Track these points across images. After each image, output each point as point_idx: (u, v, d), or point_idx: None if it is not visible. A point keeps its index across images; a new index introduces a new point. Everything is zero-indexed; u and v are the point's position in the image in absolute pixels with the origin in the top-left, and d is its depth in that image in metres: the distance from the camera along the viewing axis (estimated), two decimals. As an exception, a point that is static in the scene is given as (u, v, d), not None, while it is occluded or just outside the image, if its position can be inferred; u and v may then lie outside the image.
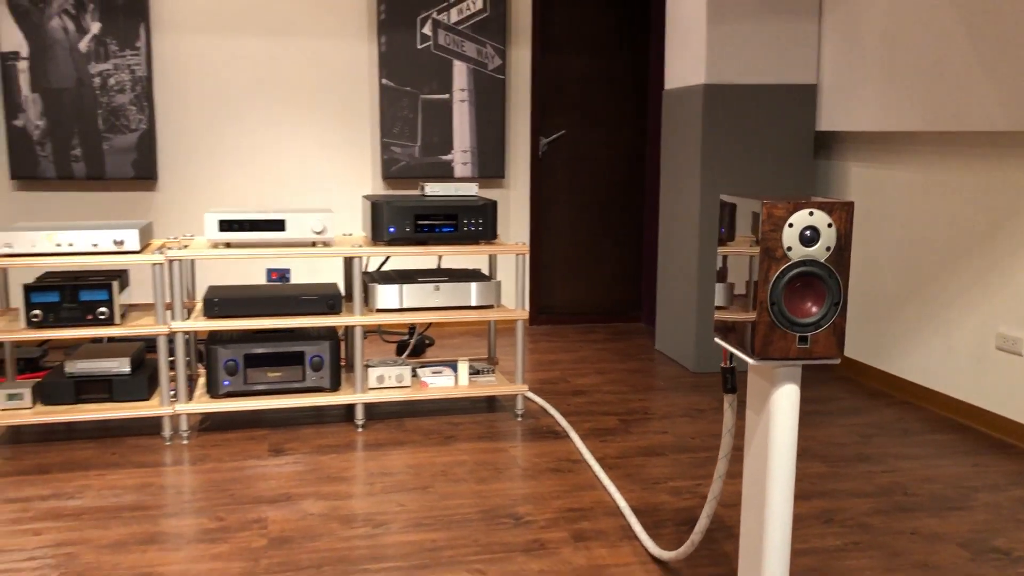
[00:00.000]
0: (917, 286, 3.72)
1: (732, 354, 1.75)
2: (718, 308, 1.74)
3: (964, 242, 3.45)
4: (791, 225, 1.53)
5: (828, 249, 1.55)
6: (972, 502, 2.72)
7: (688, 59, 4.14)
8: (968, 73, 3.25)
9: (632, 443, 3.24)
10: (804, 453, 3.15)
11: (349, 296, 3.68)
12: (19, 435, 3.29)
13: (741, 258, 1.61)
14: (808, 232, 1.54)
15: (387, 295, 3.36)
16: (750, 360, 1.58)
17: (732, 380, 1.80)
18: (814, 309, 1.56)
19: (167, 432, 3.21)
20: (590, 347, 4.76)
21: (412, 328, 4.18)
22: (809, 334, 1.56)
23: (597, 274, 5.37)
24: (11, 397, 3.12)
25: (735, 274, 1.65)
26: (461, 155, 4.87)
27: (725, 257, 1.71)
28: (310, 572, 2.25)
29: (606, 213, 5.31)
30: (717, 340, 1.74)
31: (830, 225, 1.54)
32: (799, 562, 2.33)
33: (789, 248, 1.54)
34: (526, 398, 3.78)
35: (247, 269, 4.84)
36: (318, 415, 3.55)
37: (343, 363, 3.75)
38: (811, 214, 1.53)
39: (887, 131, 3.80)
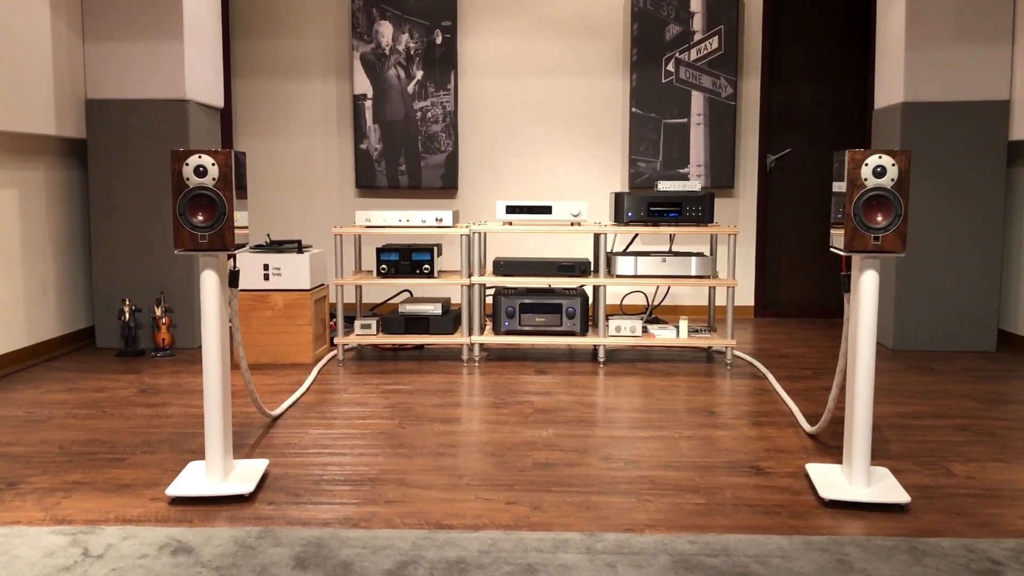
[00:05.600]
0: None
1: (848, 263, 2.61)
2: (833, 225, 2.62)
3: None
4: (867, 164, 2.40)
5: (892, 180, 2.40)
6: (1101, 429, 3.27)
7: (891, 80, 4.86)
8: None
9: (818, 384, 4.03)
10: (966, 396, 3.79)
11: (597, 266, 4.77)
12: (362, 354, 4.68)
13: (842, 193, 2.49)
14: (878, 169, 2.40)
15: (625, 264, 4.41)
16: (843, 252, 2.46)
17: (848, 283, 2.66)
18: (883, 220, 2.41)
19: (465, 356, 4.47)
20: (804, 332, 5.51)
21: (648, 307, 5.20)
22: (880, 235, 2.41)
23: (819, 275, 6.08)
24: (364, 326, 4.52)
25: (839, 201, 2.53)
26: (696, 168, 5.85)
27: (837, 196, 2.58)
28: (561, 424, 3.33)
29: (828, 222, 6.03)
30: (832, 249, 2.61)
31: (893, 164, 2.39)
32: (925, 446, 3.07)
33: (866, 179, 2.41)
34: (736, 355, 4.66)
35: (523, 246, 6.09)
36: (570, 354, 4.66)
37: (590, 315, 4.83)
38: (880, 157, 2.39)
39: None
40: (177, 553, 2.16)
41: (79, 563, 2.10)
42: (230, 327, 3.13)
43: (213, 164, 2.47)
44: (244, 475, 2.66)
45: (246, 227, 2.73)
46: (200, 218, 2.48)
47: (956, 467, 2.84)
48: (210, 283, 2.54)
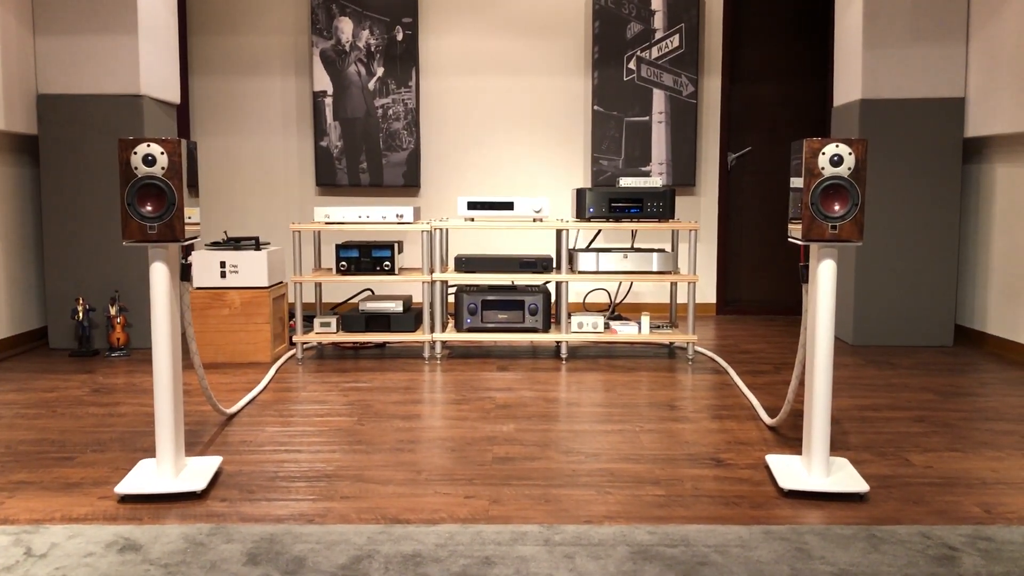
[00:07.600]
0: (1050, 265, 4.24)
1: (807, 253, 2.61)
2: (791, 220, 2.62)
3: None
4: (824, 153, 2.41)
5: (849, 169, 2.40)
6: (1055, 419, 3.31)
7: (849, 78, 4.90)
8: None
9: (779, 379, 4.05)
10: (923, 388, 3.82)
11: (559, 263, 4.75)
12: (323, 353, 4.62)
13: (799, 188, 2.49)
14: (835, 158, 2.40)
15: (587, 260, 4.40)
16: (801, 242, 2.46)
17: (806, 274, 2.66)
18: (840, 208, 2.41)
19: (426, 353, 4.42)
20: (766, 328, 5.53)
21: (611, 304, 5.19)
22: (837, 224, 2.41)
23: (781, 273, 6.12)
24: (323, 324, 4.45)
25: (796, 196, 2.53)
26: (657, 167, 5.86)
27: (795, 188, 2.59)
28: (523, 419, 3.30)
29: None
30: (791, 239, 2.60)
31: (850, 153, 2.40)
32: (883, 437, 3.08)
33: (823, 168, 2.41)
34: (697, 351, 4.66)
35: (485, 243, 6.06)
36: (532, 351, 4.63)
37: (553, 312, 4.81)
38: (837, 146, 2.40)
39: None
40: (124, 551, 2.10)
41: (21, 562, 2.03)
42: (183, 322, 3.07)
43: (162, 153, 2.41)
44: (196, 472, 2.59)
45: (198, 222, 2.67)
46: (149, 208, 2.42)
47: (914, 457, 2.86)
48: (160, 275, 2.48)
